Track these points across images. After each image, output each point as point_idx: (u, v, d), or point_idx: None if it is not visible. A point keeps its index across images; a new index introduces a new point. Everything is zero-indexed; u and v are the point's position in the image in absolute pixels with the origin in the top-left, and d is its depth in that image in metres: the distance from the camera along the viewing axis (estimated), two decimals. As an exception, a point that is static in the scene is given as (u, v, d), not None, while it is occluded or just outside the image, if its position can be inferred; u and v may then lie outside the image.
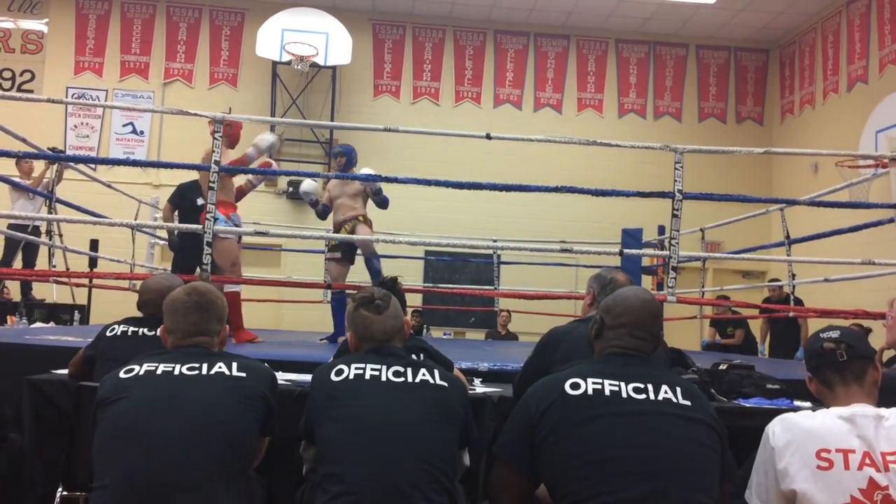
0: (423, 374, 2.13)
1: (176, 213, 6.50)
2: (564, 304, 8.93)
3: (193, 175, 6.65)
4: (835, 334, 1.98)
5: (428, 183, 5.13)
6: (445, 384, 2.13)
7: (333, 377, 2.11)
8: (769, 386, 3.22)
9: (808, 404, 3.03)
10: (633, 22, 11.76)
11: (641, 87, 12.11)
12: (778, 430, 1.88)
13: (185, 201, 6.39)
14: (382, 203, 5.75)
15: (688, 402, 1.86)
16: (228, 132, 5.20)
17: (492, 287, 9.34)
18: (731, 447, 1.91)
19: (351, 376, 2.10)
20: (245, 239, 8.64)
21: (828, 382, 1.96)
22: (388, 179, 5.11)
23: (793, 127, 11.52)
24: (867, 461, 1.77)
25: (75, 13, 11.49)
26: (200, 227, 4.61)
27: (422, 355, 2.63)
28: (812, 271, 7.23)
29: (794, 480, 1.80)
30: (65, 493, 2.60)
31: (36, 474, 2.94)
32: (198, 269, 4.71)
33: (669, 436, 1.79)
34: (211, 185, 4.52)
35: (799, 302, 7.27)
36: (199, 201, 6.24)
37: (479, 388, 3.20)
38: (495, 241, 8.56)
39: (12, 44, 11.44)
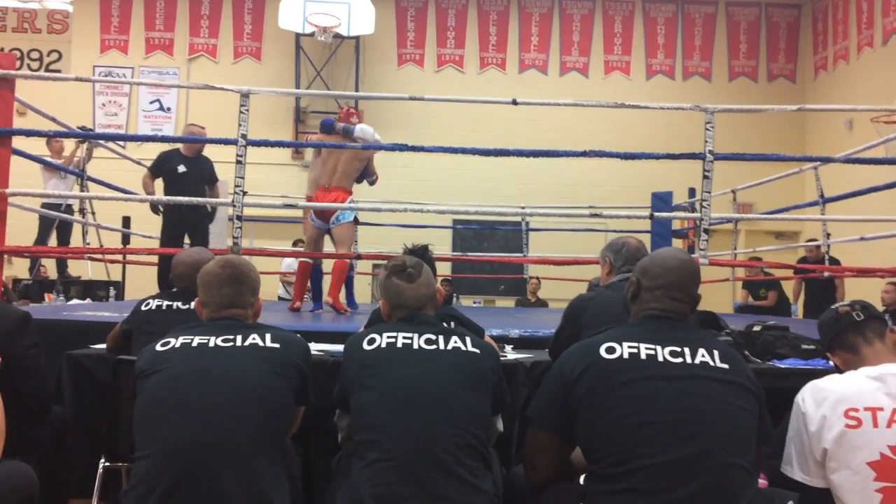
0: (455, 342, 2.13)
1: (158, 181, 6.35)
2: (594, 269, 8.84)
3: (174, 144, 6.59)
4: (845, 302, 2.08)
5: (454, 151, 5.08)
6: (477, 351, 2.13)
7: (366, 346, 2.12)
8: (804, 346, 3.18)
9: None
10: (660, -20, 11.52)
11: (669, 48, 11.89)
12: (807, 395, 1.91)
13: (163, 169, 6.28)
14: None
15: (725, 366, 1.83)
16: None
17: (521, 254, 9.31)
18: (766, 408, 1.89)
19: (383, 345, 2.11)
20: (273, 212, 8.71)
21: (852, 346, 1.99)
22: (414, 148, 5.08)
23: (826, 83, 11.25)
24: None
25: (99, -9, 11.54)
26: (229, 202, 4.63)
27: (453, 323, 2.64)
28: (848, 230, 7.10)
29: (824, 440, 1.82)
30: (107, 464, 2.66)
31: (78, 446, 3.01)
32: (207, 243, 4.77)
33: (706, 399, 1.77)
34: (239, 159, 4.53)
35: (835, 261, 7.15)
36: (181, 168, 6.19)
37: (511, 354, 3.20)
38: (523, 207, 8.50)
39: (38, 24, 11.53)
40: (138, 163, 7.40)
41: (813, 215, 7.03)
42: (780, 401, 2.13)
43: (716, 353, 1.85)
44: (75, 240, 7.94)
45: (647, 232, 7.18)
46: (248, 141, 4.62)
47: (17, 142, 4.61)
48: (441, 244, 10.18)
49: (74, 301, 6.91)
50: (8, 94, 4.42)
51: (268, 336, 2.12)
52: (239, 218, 4.56)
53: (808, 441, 1.87)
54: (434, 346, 2.10)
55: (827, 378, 1.93)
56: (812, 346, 3.20)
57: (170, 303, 3.03)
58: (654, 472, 1.69)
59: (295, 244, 8.83)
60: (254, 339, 2.10)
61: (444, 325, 2.34)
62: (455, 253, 10.28)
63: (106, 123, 11.27)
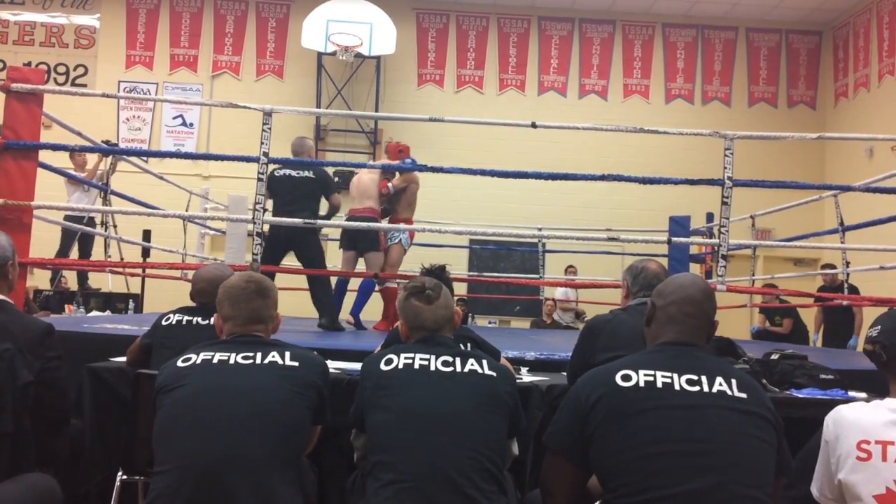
0: (472, 364, 2.14)
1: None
2: (610, 292, 8.84)
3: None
4: (873, 333, 2.00)
5: (473, 172, 5.11)
6: (494, 374, 2.14)
7: (383, 366, 2.13)
8: (823, 376, 3.16)
9: (863, 395, 2.97)
10: (681, 5, 11.56)
11: (689, 72, 11.91)
12: (830, 423, 1.89)
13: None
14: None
15: (743, 395, 1.81)
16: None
17: (537, 276, 9.30)
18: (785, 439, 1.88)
19: (400, 366, 2.12)
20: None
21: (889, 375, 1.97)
22: (433, 169, 5.12)
23: (847, 110, 11.22)
24: None
25: (126, 8, 11.73)
26: (249, 218, 4.68)
27: (469, 345, 2.65)
28: (867, 259, 7.05)
29: (840, 471, 1.81)
30: (124, 477, 2.68)
31: (96, 459, 3.03)
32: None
33: (724, 429, 1.76)
34: (260, 176, 4.58)
35: (854, 290, 7.09)
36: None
37: (527, 377, 3.20)
38: (540, 229, 8.52)
39: (66, 39, 11.73)
40: (160, 177, 7.49)
41: (832, 243, 6.98)
42: (799, 431, 2.11)
43: (734, 381, 1.84)
44: (97, 252, 8.02)
45: (664, 256, 7.15)
46: (270, 159, 4.67)
47: (42, 154, 4.67)
48: (458, 264, 10.19)
49: (94, 313, 6.97)
50: (36, 109, 4.50)
51: (287, 354, 2.14)
52: (259, 235, 4.60)
53: (829, 467, 1.86)
54: (451, 369, 2.11)
55: (851, 406, 1.91)
56: (831, 376, 3.18)
57: (190, 318, 3.06)
58: (670, 504, 1.68)
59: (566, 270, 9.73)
60: (273, 357, 2.11)
61: (461, 347, 2.35)
62: (471, 273, 10.29)
63: (129, 138, 11.41)
